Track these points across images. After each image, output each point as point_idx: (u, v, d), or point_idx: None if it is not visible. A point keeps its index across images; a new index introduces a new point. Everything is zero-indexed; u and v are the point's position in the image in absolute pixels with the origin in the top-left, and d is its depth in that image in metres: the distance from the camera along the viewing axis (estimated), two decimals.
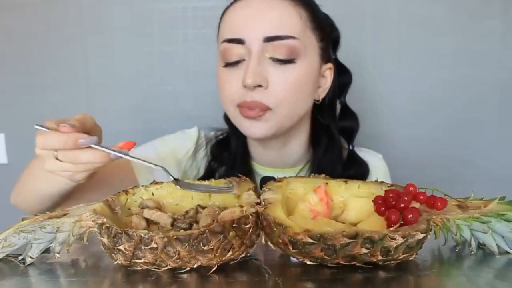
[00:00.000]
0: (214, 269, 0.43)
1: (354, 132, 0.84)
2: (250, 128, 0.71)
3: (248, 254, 0.46)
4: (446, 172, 1.13)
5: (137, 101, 1.16)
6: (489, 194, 0.50)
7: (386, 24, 1.10)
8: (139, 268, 0.44)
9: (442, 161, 1.14)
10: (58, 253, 0.46)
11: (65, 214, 0.48)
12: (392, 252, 0.41)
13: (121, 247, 0.41)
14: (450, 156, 1.14)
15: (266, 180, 0.58)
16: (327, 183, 0.53)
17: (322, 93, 0.77)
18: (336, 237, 0.40)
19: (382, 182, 0.53)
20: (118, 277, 0.43)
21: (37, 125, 0.52)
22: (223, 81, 0.72)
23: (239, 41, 0.68)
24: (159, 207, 0.52)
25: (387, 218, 0.45)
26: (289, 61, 0.68)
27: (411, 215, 0.44)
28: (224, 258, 0.43)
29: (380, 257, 0.42)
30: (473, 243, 0.47)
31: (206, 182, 0.55)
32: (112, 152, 0.52)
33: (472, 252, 0.47)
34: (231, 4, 0.72)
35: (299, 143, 0.80)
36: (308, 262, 0.44)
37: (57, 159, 0.52)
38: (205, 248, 0.41)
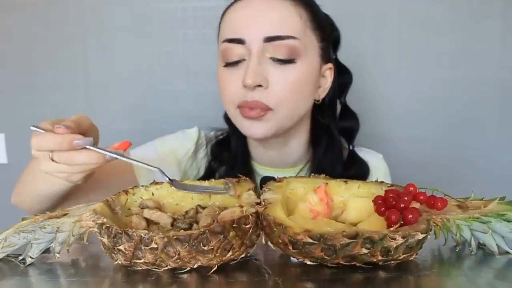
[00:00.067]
0: (214, 269, 0.43)
1: (355, 132, 0.84)
2: (251, 129, 0.71)
3: (248, 254, 0.46)
4: (446, 172, 1.13)
5: (137, 101, 1.16)
6: (489, 194, 0.50)
7: (386, 24, 1.10)
8: (139, 268, 0.44)
9: (442, 161, 1.14)
10: (58, 253, 0.46)
11: (65, 214, 0.48)
12: (392, 252, 0.41)
13: (121, 247, 0.41)
14: (450, 156, 1.14)
15: (266, 180, 0.58)
16: (327, 183, 0.53)
17: (322, 93, 0.77)
18: (336, 237, 0.40)
19: (382, 182, 0.53)
20: (118, 277, 0.43)
21: (33, 126, 0.52)
22: (223, 81, 0.72)
23: (240, 41, 0.68)
24: (159, 207, 0.52)
25: (387, 218, 0.45)
26: (289, 61, 0.68)
27: (411, 215, 0.44)
28: (224, 258, 0.43)
29: (380, 257, 0.42)
30: (473, 243, 0.47)
31: (203, 183, 0.55)
32: (108, 153, 0.52)
33: (472, 252, 0.47)
34: (232, 4, 0.72)
35: (299, 143, 0.80)
36: (308, 262, 0.44)
37: (52, 160, 0.52)
38: (205, 248, 0.41)
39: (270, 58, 0.68)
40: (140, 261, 0.42)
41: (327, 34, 0.75)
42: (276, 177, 0.55)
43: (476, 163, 1.14)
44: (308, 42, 0.70)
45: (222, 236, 0.41)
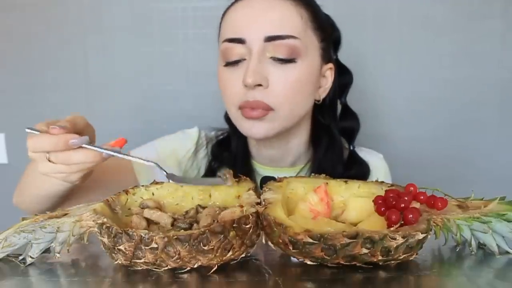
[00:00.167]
0: (214, 269, 0.43)
1: (355, 132, 0.84)
2: (252, 129, 0.71)
3: (248, 254, 0.46)
4: (446, 172, 1.13)
5: (137, 101, 1.16)
6: (490, 194, 0.50)
7: (387, 24, 1.10)
8: (139, 268, 0.44)
9: (442, 161, 1.14)
10: (58, 253, 0.46)
11: (65, 214, 0.48)
12: (392, 252, 0.41)
13: (121, 247, 0.41)
14: (451, 156, 1.14)
15: (266, 180, 0.58)
16: (327, 183, 0.53)
17: (322, 93, 0.77)
18: (336, 237, 0.40)
19: (382, 182, 0.53)
20: (118, 277, 0.43)
21: (28, 128, 0.52)
22: (223, 80, 0.72)
23: (240, 41, 0.68)
24: (160, 207, 0.52)
25: (387, 218, 0.45)
26: (289, 60, 0.68)
27: (411, 215, 0.44)
28: (224, 258, 0.43)
29: (380, 257, 0.41)
30: (473, 243, 0.46)
31: (205, 180, 0.55)
32: (104, 151, 0.52)
33: (473, 252, 0.47)
34: (232, 4, 0.72)
35: (299, 142, 0.80)
36: (308, 262, 0.44)
37: (49, 161, 0.52)
38: (206, 248, 0.41)
39: (271, 57, 0.68)
40: (140, 261, 0.42)
41: (328, 34, 0.75)
42: (276, 177, 0.55)
43: (476, 163, 1.14)
44: (309, 42, 0.70)
45: (222, 236, 0.41)
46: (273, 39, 0.67)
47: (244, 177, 0.56)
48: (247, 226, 0.43)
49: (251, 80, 0.66)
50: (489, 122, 1.13)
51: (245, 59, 0.69)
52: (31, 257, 0.46)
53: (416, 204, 0.46)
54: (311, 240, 0.41)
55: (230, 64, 0.70)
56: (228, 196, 0.54)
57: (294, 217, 0.48)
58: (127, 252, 0.42)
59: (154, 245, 0.40)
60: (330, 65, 0.76)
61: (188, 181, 0.53)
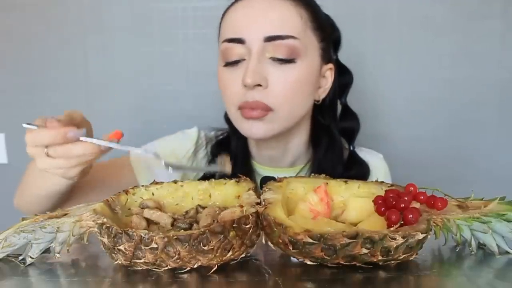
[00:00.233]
0: (214, 269, 0.43)
1: (355, 132, 0.84)
2: (251, 129, 0.70)
3: (248, 254, 0.46)
4: (446, 172, 1.13)
5: (137, 101, 1.16)
6: (489, 194, 0.50)
7: (386, 24, 1.10)
8: (139, 268, 0.44)
9: (442, 161, 1.14)
10: (58, 253, 0.46)
11: (65, 214, 0.48)
12: (392, 252, 0.41)
13: (121, 247, 0.41)
14: (451, 156, 1.14)
15: (266, 180, 0.58)
16: (327, 183, 0.53)
17: (322, 94, 0.77)
18: (336, 237, 0.40)
19: (382, 182, 0.53)
20: (118, 277, 0.43)
21: (26, 123, 0.52)
22: (223, 81, 0.72)
23: (240, 41, 0.68)
24: (159, 207, 0.52)
25: (387, 218, 0.45)
26: (289, 61, 0.68)
27: (411, 215, 0.44)
28: (224, 258, 0.43)
29: (380, 257, 0.42)
30: (473, 243, 0.47)
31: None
32: (102, 143, 0.52)
33: (472, 252, 0.47)
34: (232, 4, 0.72)
35: (298, 142, 0.80)
36: (308, 262, 0.44)
37: (48, 156, 0.52)
38: (205, 248, 0.41)
39: (270, 58, 0.68)
40: (140, 261, 0.42)
41: (328, 34, 0.75)
42: (276, 177, 0.55)
43: (476, 163, 1.14)
44: (308, 42, 0.70)
45: (222, 236, 0.41)
46: (272, 39, 0.66)
47: (244, 177, 0.56)
48: (247, 226, 0.43)
49: (250, 80, 0.66)
50: (488, 122, 1.13)
51: (244, 59, 0.69)
52: (31, 257, 0.46)
53: (416, 204, 0.46)
54: (311, 240, 0.41)
55: (230, 64, 0.70)
56: (228, 196, 0.54)
57: (294, 217, 0.48)
58: (127, 252, 0.42)
59: (154, 245, 0.40)
60: (330, 65, 0.76)
61: (186, 168, 0.53)
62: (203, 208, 0.52)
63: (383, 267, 0.44)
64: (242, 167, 0.79)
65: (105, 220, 0.44)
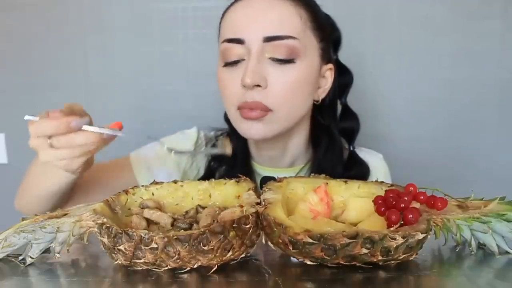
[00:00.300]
0: (214, 269, 0.43)
1: (355, 133, 0.84)
2: (251, 130, 0.70)
3: (248, 254, 0.46)
4: (446, 172, 1.13)
5: (137, 101, 1.16)
6: (489, 194, 0.50)
7: (386, 24, 1.10)
8: (139, 268, 0.44)
9: (442, 161, 1.14)
10: (58, 253, 0.46)
11: (65, 214, 0.48)
12: (392, 252, 0.41)
13: (121, 247, 0.41)
14: (450, 156, 1.14)
15: (266, 180, 0.58)
16: (327, 183, 0.53)
17: (322, 94, 0.77)
18: (336, 237, 0.40)
19: (382, 182, 0.53)
20: (118, 277, 0.43)
21: (27, 115, 0.52)
22: (223, 81, 0.72)
23: (239, 41, 0.68)
24: (159, 207, 0.52)
25: (387, 218, 0.45)
26: (288, 61, 0.68)
27: (411, 215, 0.44)
28: (224, 258, 0.43)
29: (380, 257, 0.41)
30: (473, 243, 0.47)
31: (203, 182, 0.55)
32: (105, 131, 0.52)
33: (472, 252, 0.47)
34: (232, 4, 0.72)
35: (298, 143, 0.80)
36: (308, 262, 0.44)
37: (51, 147, 0.52)
38: (205, 248, 0.41)
39: (270, 58, 0.67)
40: (140, 261, 0.42)
41: (327, 34, 0.75)
42: (276, 177, 0.55)
43: (476, 163, 1.14)
44: (308, 42, 0.70)
45: (222, 236, 0.41)
46: (272, 39, 0.66)
47: (244, 177, 0.56)
48: (247, 226, 0.43)
49: (249, 81, 0.66)
50: (488, 122, 1.13)
51: (244, 60, 0.69)
52: (31, 257, 0.46)
53: (416, 204, 0.46)
54: (311, 240, 0.41)
55: (229, 64, 0.70)
56: (228, 196, 0.54)
57: (294, 217, 0.48)
58: (127, 252, 0.42)
59: (154, 245, 0.40)
60: (330, 65, 0.76)
61: (188, 152, 0.53)
62: (203, 208, 0.52)
63: (383, 267, 0.44)
64: (242, 167, 0.79)
65: (105, 220, 0.44)
